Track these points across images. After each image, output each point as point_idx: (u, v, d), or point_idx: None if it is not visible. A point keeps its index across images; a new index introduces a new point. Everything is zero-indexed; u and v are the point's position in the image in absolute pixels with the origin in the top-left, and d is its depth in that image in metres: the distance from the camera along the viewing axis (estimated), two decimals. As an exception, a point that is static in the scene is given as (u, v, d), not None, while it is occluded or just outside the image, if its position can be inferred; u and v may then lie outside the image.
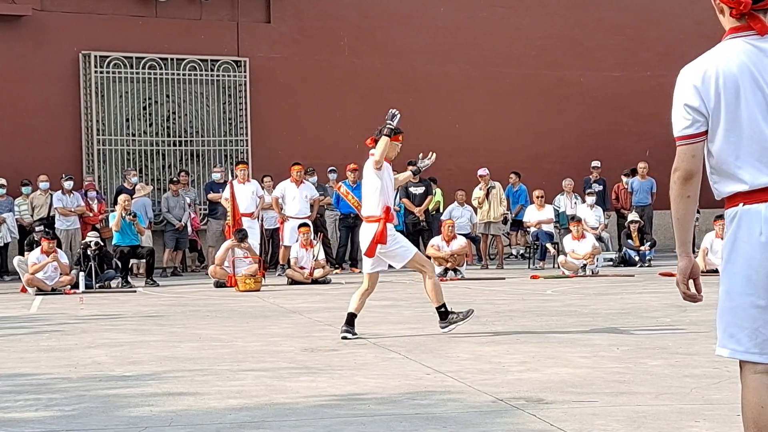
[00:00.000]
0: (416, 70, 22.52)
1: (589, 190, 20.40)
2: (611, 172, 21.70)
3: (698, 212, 21.00)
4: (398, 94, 22.22)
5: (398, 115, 9.06)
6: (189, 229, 19.09)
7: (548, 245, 19.19)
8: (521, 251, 21.10)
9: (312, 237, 16.59)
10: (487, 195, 19.24)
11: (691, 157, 3.56)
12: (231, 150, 21.00)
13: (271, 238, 19.07)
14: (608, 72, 23.92)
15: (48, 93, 19.91)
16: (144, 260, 17.06)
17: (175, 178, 19.41)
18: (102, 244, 16.37)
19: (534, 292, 13.90)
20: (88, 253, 15.77)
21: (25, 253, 16.15)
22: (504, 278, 16.52)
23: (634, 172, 21.18)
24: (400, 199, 18.79)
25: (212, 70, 20.87)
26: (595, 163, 21.51)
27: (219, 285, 15.68)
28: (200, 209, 20.03)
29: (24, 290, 15.34)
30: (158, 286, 16.09)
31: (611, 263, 19.03)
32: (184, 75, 20.69)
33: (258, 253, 16.68)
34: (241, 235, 15.96)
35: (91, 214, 18.55)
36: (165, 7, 20.69)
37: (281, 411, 5.73)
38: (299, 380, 6.75)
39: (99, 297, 14.47)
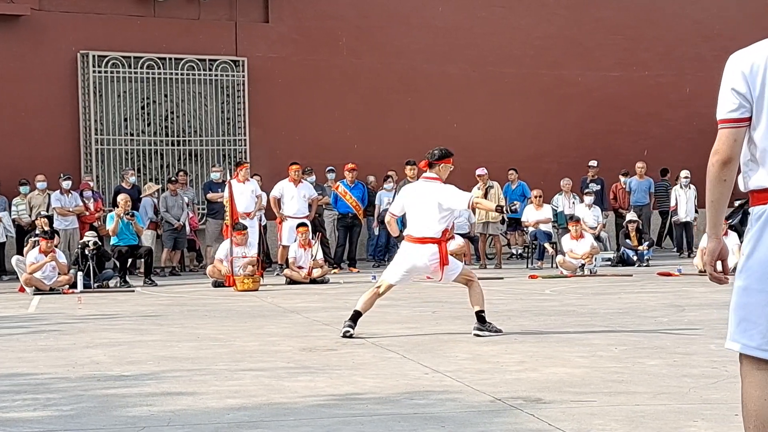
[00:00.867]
0: (415, 70, 22.51)
1: (587, 190, 20.39)
2: (610, 171, 21.70)
3: (696, 212, 21.11)
4: (397, 94, 22.24)
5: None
6: (187, 228, 19.08)
7: (546, 245, 19.19)
8: (519, 251, 21.08)
9: (310, 237, 16.58)
10: (485, 195, 19.23)
11: (733, 141, 3.59)
12: (229, 150, 20.99)
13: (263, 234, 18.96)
14: (607, 72, 23.92)
15: (46, 93, 19.89)
16: (143, 259, 17.06)
17: (173, 178, 19.39)
18: (100, 243, 16.36)
19: (532, 291, 13.91)
20: (86, 252, 15.76)
21: (26, 249, 16.16)
22: (502, 278, 16.51)
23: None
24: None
25: (210, 69, 20.87)
26: (592, 162, 21.50)
27: (217, 285, 15.68)
28: (198, 209, 20.03)
29: (22, 290, 15.33)
30: (156, 285, 16.09)
31: (609, 263, 19.02)
32: (182, 75, 20.68)
33: (256, 252, 16.67)
34: (240, 226, 16.03)
35: (87, 213, 18.54)
36: (163, 7, 20.68)
37: (279, 411, 5.73)
38: (297, 380, 6.75)
39: (97, 297, 14.46)
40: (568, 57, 23.58)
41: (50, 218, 17.32)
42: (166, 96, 20.65)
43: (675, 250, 21.75)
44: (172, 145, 20.75)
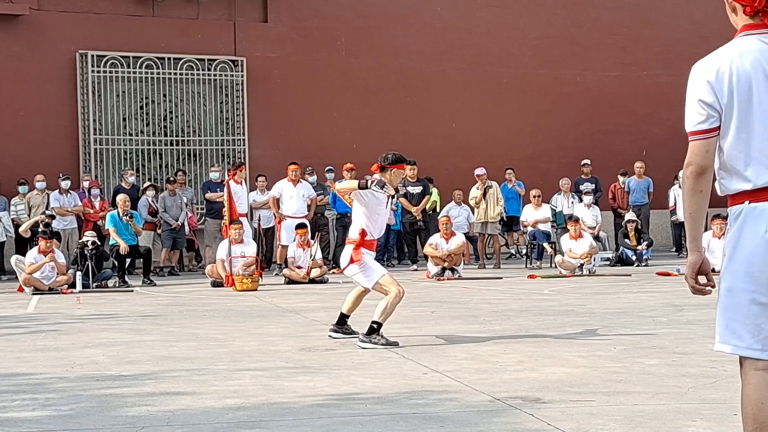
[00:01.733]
0: (413, 70, 22.52)
1: (586, 190, 20.37)
2: (608, 171, 21.70)
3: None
4: (395, 93, 22.25)
5: (386, 186, 8.69)
6: (186, 228, 19.09)
7: (545, 245, 19.20)
8: (521, 249, 21.08)
9: (309, 237, 16.58)
10: (484, 195, 19.23)
11: (704, 152, 3.56)
12: (228, 149, 21.00)
13: (264, 236, 19.02)
14: (605, 71, 23.93)
15: (45, 92, 19.90)
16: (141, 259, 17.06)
17: (172, 178, 19.39)
18: (99, 243, 16.35)
19: (531, 291, 13.90)
20: (85, 252, 15.76)
21: (28, 247, 16.17)
22: (501, 278, 16.52)
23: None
24: (398, 198, 18.77)
25: (209, 69, 20.87)
26: (585, 161, 21.48)
27: (216, 284, 15.68)
28: (197, 209, 20.03)
29: (21, 290, 15.33)
30: (155, 285, 16.09)
31: (608, 263, 19.02)
32: (181, 74, 20.69)
33: (255, 252, 16.67)
34: (238, 223, 16.06)
35: (92, 212, 18.54)
36: (162, 7, 20.69)
37: (278, 411, 5.73)
38: (296, 380, 6.75)
39: (96, 296, 14.46)
40: (566, 57, 23.60)
41: (46, 223, 17.33)
42: (164, 96, 20.66)
43: (674, 249, 21.77)
44: (171, 144, 20.76)
